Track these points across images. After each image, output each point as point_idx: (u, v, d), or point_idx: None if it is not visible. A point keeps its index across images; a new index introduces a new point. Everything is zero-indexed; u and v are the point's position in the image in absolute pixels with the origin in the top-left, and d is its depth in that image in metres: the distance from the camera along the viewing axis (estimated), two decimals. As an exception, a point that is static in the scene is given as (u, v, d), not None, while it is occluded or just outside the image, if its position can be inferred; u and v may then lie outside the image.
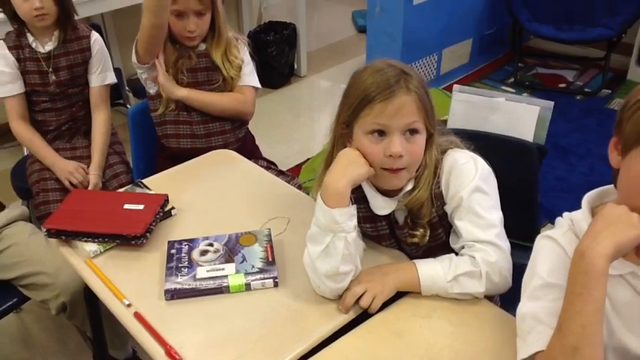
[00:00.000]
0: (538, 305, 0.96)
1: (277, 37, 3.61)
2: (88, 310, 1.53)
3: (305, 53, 3.87)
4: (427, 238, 1.22)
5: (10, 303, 1.64)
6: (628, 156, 0.92)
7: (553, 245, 1.00)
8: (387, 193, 1.22)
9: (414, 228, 1.22)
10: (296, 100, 3.75)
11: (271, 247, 1.25)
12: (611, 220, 0.88)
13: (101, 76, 2.00)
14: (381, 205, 1.22)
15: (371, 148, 1.14)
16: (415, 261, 1.17)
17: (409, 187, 1.19)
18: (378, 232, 1.27)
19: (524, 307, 0.99)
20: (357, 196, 1.23)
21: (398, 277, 1.16)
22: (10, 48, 1.87)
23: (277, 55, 3.63)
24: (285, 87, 3.81)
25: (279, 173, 1.89)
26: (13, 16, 1.85)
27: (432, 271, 1.14)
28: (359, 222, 1.22)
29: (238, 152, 1.73)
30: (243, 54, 1.87)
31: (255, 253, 1.23)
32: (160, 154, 1.93)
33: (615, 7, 3.52)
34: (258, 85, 1.90)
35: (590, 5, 3.59)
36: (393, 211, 1.23)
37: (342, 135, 1.20)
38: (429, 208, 1.19)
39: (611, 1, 3.54)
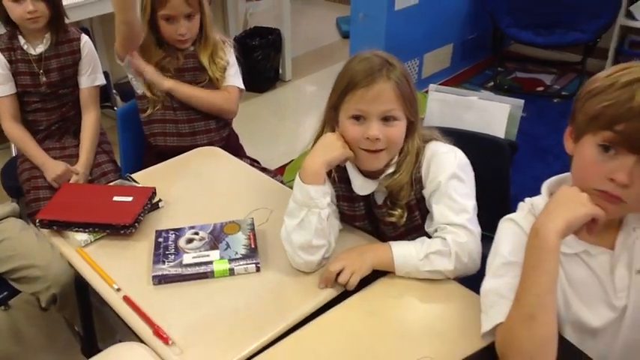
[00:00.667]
0: (500, 282, 1.03)
1: (263, 41, 3.69)
2: (79, 301, 1.59)
3: (290, 58, 3.95)
4: (404, 219, 1.30)
5: (1, 296, 1.69)
6: (579, 142, 1.01)
7: (514, 227, 1.08)
8: (369, 175, 1.31)
9: (393, 208, 1.30)
10: (281, 103, 3.82)
11: (254, 235, 1.32)
12: (563, 200, 0.97)
13: (91, 77, 2.07)
14: (362, 186, 1.31)
15: (352, 131, 1.23)
16: (390, 242, 1.24)
17: (390, 170, 1.28)
18: (354, 211, 1.35)
19: (487, 284, 1.06)
20: (340, 176, 1.33)
21: (374, 255, 1.23)
22: (2, 50, 1.93)
23: (262, 59, 3.70)
24: (270, 91, 3.88)
25: (263, 170, 1.96)
26: (5, 20, 1.91)
27: (405, 250, 1.22)
28: (338, 200, 1.33)
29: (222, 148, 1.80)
30: (229, 56, 1.94)
31: (239, 241, 1.30)
32: (147, 153, 1.99)
33: (591, 13, 3.63)
34: (242, 86, 1.97)
35: (568, 12, 3.70)
36: (373, 193, 1.31)
37: (330, 118, 1.29)
38: (408, 190, 1.28)
39: (588, 7, 3.66)
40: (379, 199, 1.32)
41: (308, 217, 1.20)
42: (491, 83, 3.86)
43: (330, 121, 1.30)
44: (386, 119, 1.22)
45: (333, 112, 1.28)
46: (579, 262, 1.06)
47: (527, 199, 1.13)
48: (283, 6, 3.80)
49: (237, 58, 1.97)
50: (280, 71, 3.96)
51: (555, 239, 0.93)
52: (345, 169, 1.32)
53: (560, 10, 3.69)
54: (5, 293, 1.69)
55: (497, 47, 3.94)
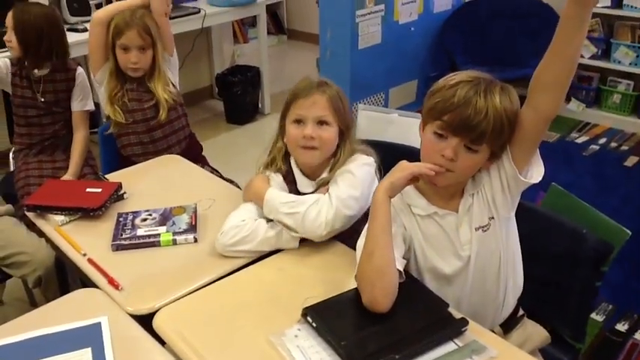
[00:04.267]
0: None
1: (242, 78, 4.09)
2: (58, 279, 1.90)
3: (268, 93, 4.34)
4: None
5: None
6: (424, 130, 1.35)
7: None
8: (309, 177, 1.63)
9: None
10: (259, 135, 4.17)
11: (195, 216, 1.65)
12: (392, 169, 1.31)
13: (82, 102, 2.46)
14: (306, 185, 1.63)
15: (293, 132, 1.57)
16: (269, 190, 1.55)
17: (325, 174, 1.60)
18: None
19: (359, 241, 1.38)
20: (289, 179, 1.65)
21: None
22: (12, 65, 2.36)
23: (241, 94, 4.09)
24: (249, 123, 4.25)
25: (223, 179, 2.29)
26: None
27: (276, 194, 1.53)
28: None
29: (183, 157, 2.15)
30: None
31: (183, 220, 1.64)
32: (122, 165, 2.33)
33: (537, 49, 4.01)
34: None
35: (518, 49, 4.11)
36: (313, 191, 1.61)
37: (282, 126, 1.62)
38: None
39: (535, 45, 4.04)
40: None
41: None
42: (453, 115, 4.21)
43: (282, 128, 1.63)
44: (320, 123, 1.55)
45: (282, 120, 1.61)
46: (432, 222, 1.38)
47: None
48: (262, 46, 4.22)
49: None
50: (260, 105, 4.35)
51: (382, 196, 1.27)
52: (292, 172, 1.64)
53: (508, 50, 4.10)
54: (-1, 277, 2.02)
55: (458, 83, 4.32)
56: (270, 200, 1.53)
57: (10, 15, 2.30)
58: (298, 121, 1.55)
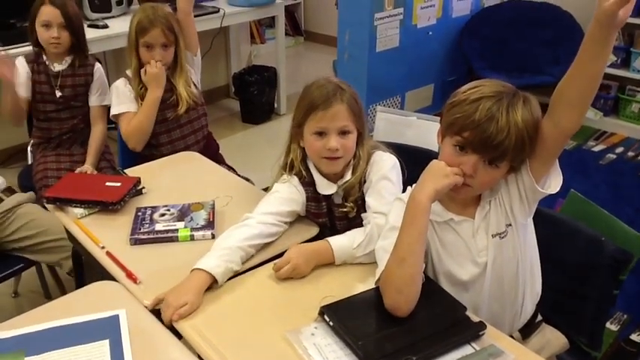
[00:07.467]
0: (387, 242, 1.34)
1: (258, 78, 4.10)
2: (75, 269, 1.91)
3: (284, 94, 4.35)
4: (354, 212, 1.60)
5: (18, 267, 2.04)
6: (443, 141, 1.34)
7: (400, 203, 1.37)
8: (330, 179, 1.61)
9: (347, 202, 1.61)
10: (274, 134, 4.18)
11: (213, 213, 1.66)
12: (433, 172, 1.28)
13: (100, 97, 2.48)
14: (325, 187, 1.61)
15: (316, 144, 1.54)
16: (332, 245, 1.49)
17: (348, 177, 1.59)
18: (318, 209, 1.65)
19: (378, 243, 1.38)
20: (307, 180, 1.63)
21: (318, 262, 1.47)
22: (28, 61, 2.38)
23: (258, 94, 4.10)
24: (265, 123, 4.27)
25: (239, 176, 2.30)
26: (35, 43, 2.35)
27: (342, 244, 1.49)
28: (307, 201, 1.63)
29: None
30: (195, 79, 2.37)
31: (201, 216, 1.64)
32: (140, 163, 2.35)
33: (557, 58, 4.01)
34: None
35: (537, 56, 4.10)
36: (333, 195, 1.62)
37: (296, 133, 1.60)
38: (357, 189, 1.59)
39: (554, 52, 4.04)
40: (337, 200, 1.63)
41: None
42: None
43: (296, 136, 1.61)
44: (342, 133, 1.53)
45: (298, 129, 1.59)
46: (449, 228, 1.38)
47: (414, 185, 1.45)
48: (279, 47, 4.24)
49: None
50: (275, 105, 4.36)
51: (426, 202, 1.25)
52: (310, 173, 1.62)
53: (527, 57, 4.08)
54: (22, 265, 2.04)
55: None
56: (339, 250, 1.48)
57: (52, 11, 2.28)
58: (320, 133, 1.52)
